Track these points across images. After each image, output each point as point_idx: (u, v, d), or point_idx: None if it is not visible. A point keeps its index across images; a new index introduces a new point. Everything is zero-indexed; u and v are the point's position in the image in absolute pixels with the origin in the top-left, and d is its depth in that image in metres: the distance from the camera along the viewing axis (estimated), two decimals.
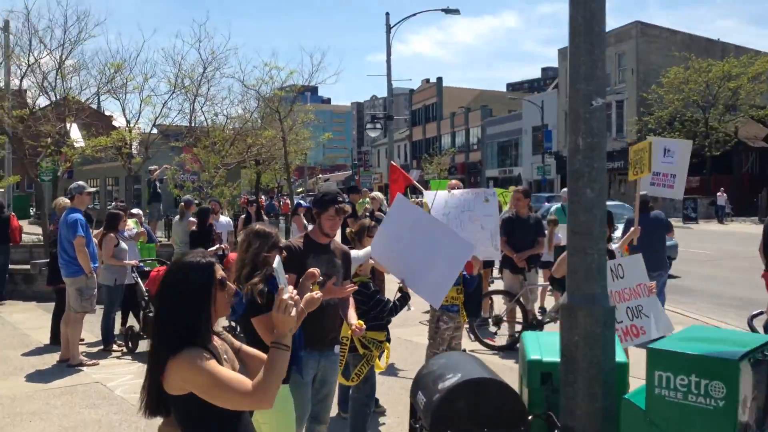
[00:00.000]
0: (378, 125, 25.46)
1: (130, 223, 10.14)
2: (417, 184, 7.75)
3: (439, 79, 73.54)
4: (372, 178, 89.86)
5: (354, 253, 5.13)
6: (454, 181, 9.19)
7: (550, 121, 50.63)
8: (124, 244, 9.05)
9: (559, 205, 12.68)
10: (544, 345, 4.77)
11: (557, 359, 4.39)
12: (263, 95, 20.15)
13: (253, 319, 3.88)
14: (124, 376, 7.77)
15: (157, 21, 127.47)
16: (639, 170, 7.22)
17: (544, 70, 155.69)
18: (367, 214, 11.65)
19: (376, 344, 5.19)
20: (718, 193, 35.46)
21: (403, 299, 5.28)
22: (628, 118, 45.13)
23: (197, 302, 2.62)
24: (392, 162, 8.20)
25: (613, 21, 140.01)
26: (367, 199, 17.00)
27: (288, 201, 23.47)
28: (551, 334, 5.11)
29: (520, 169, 57.38)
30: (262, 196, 33.03)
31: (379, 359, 5.32)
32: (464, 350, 6.75)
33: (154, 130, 18.61)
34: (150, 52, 77.66)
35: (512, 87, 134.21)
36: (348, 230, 6.10)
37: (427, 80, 77.73)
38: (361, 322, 4.65)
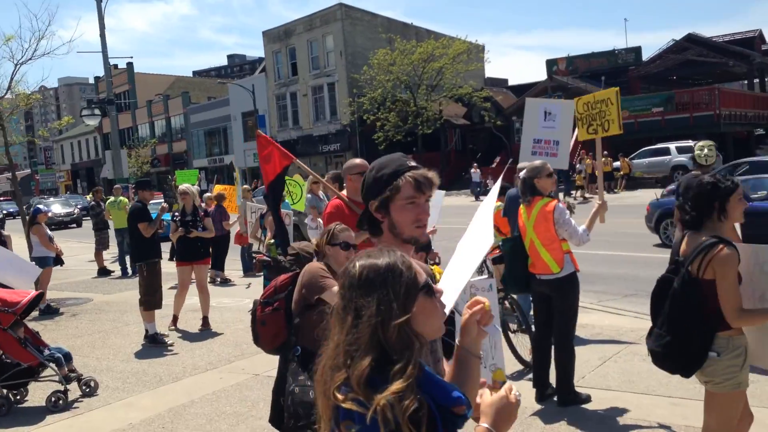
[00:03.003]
0: (96, 111, 21.62)
1: None
2: (301, 163, 5.68)
3: (130, 65, 67.69)
4: (57, 177, 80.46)
5: None
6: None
7: (260, 106, 49.14)
8: None
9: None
10: None
11: None
12: None
13: None
14: None
15: None
16: (600, 126, 5.94)
17: (230, 57, 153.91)
18: (176, 216, 9.10)
19: None
20: (472, 170, 36.72)
21: None
22: (341, 100, 45.49)
23: None
24: (259, 131, 5.92)
25: (318, 3, 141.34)
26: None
27: None
28: None
29: (231, 157, 54.93)
30: None
31: None
32: None
33: None
34: None
35: (198, 75, 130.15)
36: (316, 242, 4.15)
37: (115, 66, 71.02)
38: None
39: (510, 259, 5.88)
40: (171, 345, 8.57)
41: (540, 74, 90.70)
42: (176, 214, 9.17)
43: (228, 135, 56.20)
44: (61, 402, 6.35)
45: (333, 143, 46.72)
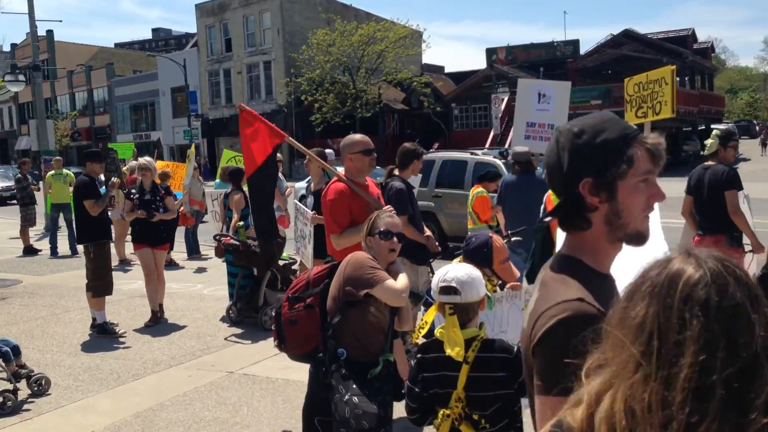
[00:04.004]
0: (21, 77, 19.91)
1: None
2: (293, 140, 4.91)
3: (50, 32, 63.83)
4: None
5: None
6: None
7: (191, 81, 47.22)
8: None
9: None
10: None
11: None
12: None
13: None
14: None
15: None
16: (651, 109, 5.35)
17: (155, 31, 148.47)
18: (133, 193, 8.16)
19: None
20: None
21: None
22: (277, 80, 44.18)
23: None
24: (241, 104, 5.11)
25: None
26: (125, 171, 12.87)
27: None
28: None
29: (159, 133, 52.85)
30: None
31: None
32: None
33: None
34: None
35: (121, 47, 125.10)
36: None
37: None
38: None
39: (541, 252, 5.25)
40: (123, 335, 7.65)
41: (475, 64, 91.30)
42: (133, 191, 8.18)
43: (156, 110, 53.94)
44: (9, 403, 5.41)
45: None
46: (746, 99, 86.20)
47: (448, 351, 2.46)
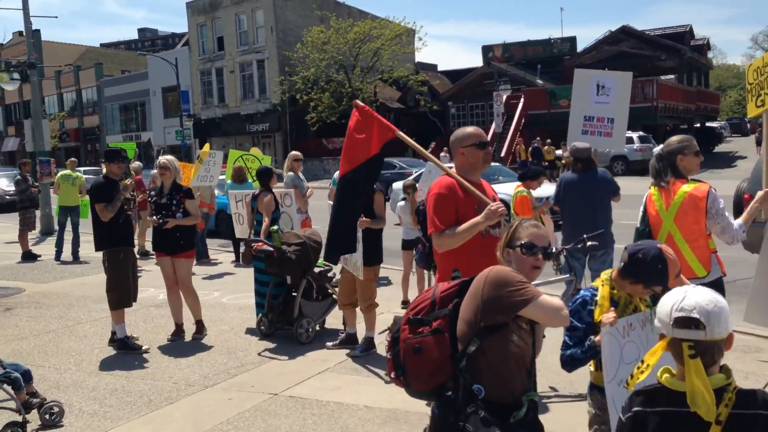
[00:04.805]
0: (15, 75, 19.11)
1: None
2: (404, 135, 4.31)
3: (37, 32, 62.69)
4: None
5: None
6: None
7: (183, 81, 46.33)
8: None
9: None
10: None
11: None
12: None
13: None
14: None
15: None
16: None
17: (141, 31, 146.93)
18: (152, 196, 7.51)
19: None
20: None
21: None
22: (271, 78, 43.43)
23: None
24: (356, 100, 4.50)
25: None
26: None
27: None
28: None
29: (150, 134, 51.91)
30: None
31: None
32: None
33: None
34: None
35: (107, 48, 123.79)
36: None
37: (20, 33, 65.97)
38: None
39: None
40: (147, 351, 6.99)
41: (466, 62, 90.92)
42: (152, 193, 7.51)
43: (146, 111, 52.97)
44: None
45: (261, 123, 44.63)
46: (735, 96, 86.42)
47: (694, 407, 1.85)
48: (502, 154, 32.82)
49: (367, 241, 6.31)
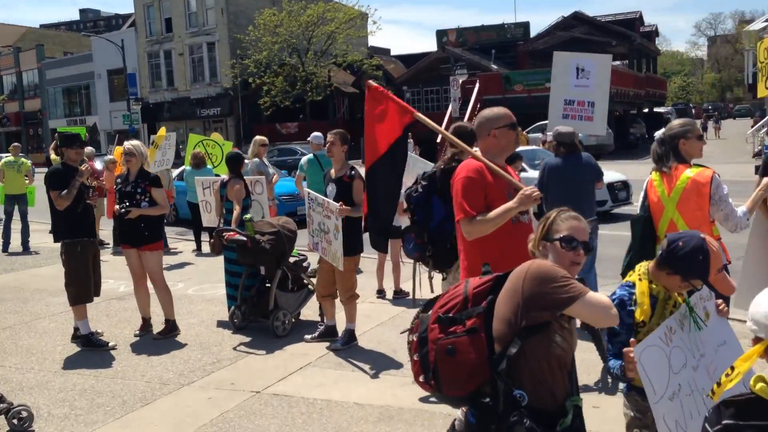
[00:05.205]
0: None
1: None
2: (423, 117, 4.07)
3: None
4: None
5: None
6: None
7: (129, 64, 45.01)
8: None
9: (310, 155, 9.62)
10: None
11: None
12: None
13: None
14: None
15: None
16: None
17: (82, 12, 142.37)
18: (118, 183, 7.10)
19: None
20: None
21: None
22: (222, 62, 42.49)
23: None
24: (370, 81, 4.26)
25: None
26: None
27: None
28: None
29: (95, 118, 50.41)
30: None
31: None
32: None
33: None
34: None
35: (47, 29, 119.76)
36: None
37: None
38: None
39: (640, 245, 4.49)
40: (114, 347, 6.62)
41: (423, 47, 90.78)
42: (118, 181, 7.09)
43: (91, 94, 51.39)
44: None
45: (213, 107, 43.72)
46: (679, 83, 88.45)
47: None
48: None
49: (346, 230, 6.05)
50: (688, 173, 4.26)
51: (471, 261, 3.76)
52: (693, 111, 58.15)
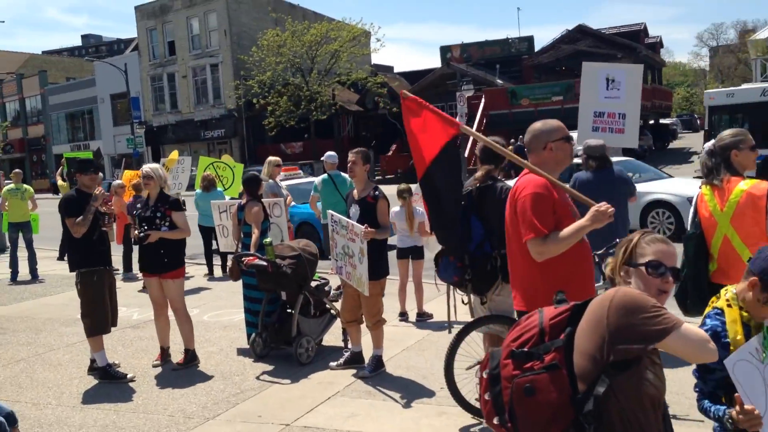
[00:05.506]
0: None
1: None
2: (469, 128, 3.91)
3: None
4: None
5: None
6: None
7: (132, 87, 45.01)
8: None
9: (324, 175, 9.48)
10: None
11: None
12: None
13: None
14: None
15: None
16: None
17: (84, 37, 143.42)
18: (138, 208, 6.85)
19: None
20: None
21: None
22: (226, 83, 42.48)
23: None
24: (404, 91, 4.08)
25: None
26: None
27: None
28: None
29: (99, 142, 50.38)
30: None
31: None
32: None
33: None
34: None
35: (50, 55, 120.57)
36: None
37: None
38: None
39: (694, 264, 4.24)
40: (132, 379, 6.38)
41: (425, 64, 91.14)
42: (138, 206, 6.87)
43: (94, 118, 51.41)
44: None
45: (216, 129, 43.66)
46: (683, 94, 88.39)
47: None
48: (466, 154, 32.60)
49: (371, 253, 5.80)
50: (742, 186, 4.03)
51: (533, 285, 3.53)
52: (698, 122, 57.96)
